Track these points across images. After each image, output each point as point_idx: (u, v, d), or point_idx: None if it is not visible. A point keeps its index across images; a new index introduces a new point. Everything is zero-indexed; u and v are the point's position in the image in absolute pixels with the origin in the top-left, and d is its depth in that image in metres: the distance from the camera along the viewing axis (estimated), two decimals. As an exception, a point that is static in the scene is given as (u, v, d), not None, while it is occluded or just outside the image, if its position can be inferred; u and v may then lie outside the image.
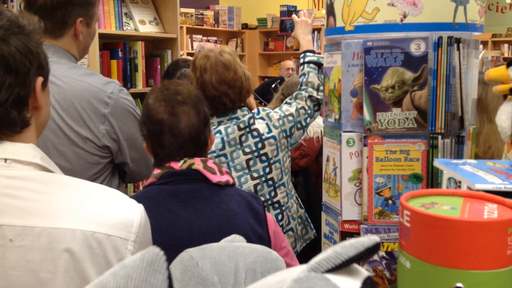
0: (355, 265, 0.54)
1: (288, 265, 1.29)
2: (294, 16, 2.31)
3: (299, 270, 0.52)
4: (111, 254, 0.82)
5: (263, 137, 1.95)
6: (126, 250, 0.83)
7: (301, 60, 2.18)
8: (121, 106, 1.56)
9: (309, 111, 2.07)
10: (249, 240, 1.13)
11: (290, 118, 2.03)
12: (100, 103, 1.52)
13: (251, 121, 1.95)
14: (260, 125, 1.97)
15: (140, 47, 3.10)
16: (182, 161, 1.31)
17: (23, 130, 0.88)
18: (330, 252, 0.52)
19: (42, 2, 1.46)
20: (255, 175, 1.95)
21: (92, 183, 0.92)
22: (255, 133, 1.95)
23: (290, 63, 6.56)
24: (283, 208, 2.02)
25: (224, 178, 1.33)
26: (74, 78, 1.50)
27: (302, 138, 2.49)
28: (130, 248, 0.84)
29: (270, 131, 1.97)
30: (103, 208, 0.85)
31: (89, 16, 1.58)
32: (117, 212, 0.85)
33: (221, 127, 1.93)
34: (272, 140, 1.96)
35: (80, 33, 1.56)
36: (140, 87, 3.12)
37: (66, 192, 0.85)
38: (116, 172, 1.68)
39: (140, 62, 3.11)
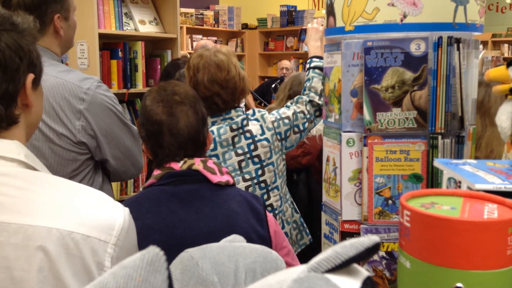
0: (355, 265, 0.54)
1: (289, 265, 1.30)
2: (308, 25, 2.33)
3: (299, 270, 0.52)
4: (88, 256, 0.80)
5: (256, 138, 1.94)
6: (105, 253, 0.81)
7: (307, 66, 2.18)
8: (99, 102, 1.56)
9: (308, 116, 2.06)
10: (250, 240, 1.13)
11: (286, 121, 2.02)
12: (76, 99, 1.52)
13: (245, 122, 1.94)
14: (253, 127, 1.96)
15: (140, 47, 3.10)
16: (182, 162, 1.31)
17: (10, 127, 0.87)
18: (330, 252, 0.52)
19: (16, 3, 1.47)
20: (247, 176, 1.94)
21: (78, 184, 0.91)
22: (248, 135, 1.94)
23: (285, 63, 6.57)
24: (276, 211, 2.00)
25: (224, 178, 1.33)
26: (50, 75, 1.50)
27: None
28: (109, 251, 0.82)
29: (263, 133, 1.96)
30: (84, 208, 0.84)
31: (65, 10, 1.59)
32: (98, 214, 0.84)
33: (214, 128, 1.92)
34: (265, 142, 1.95)
35: (60, 28, 1.57)
36: (140, 87, 3.13)
37: (48, 190, 0.84)
38: (99, 170, 1.67)
39: (140, 62, 3.11)
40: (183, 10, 7.21)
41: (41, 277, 0.77)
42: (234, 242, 0.81)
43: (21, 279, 0.77)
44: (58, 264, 0.78)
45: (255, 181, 1.94)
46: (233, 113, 1.95)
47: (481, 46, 1.87)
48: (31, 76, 0.88)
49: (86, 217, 0.82)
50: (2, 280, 0.77)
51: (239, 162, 1.93)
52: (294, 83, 2.67)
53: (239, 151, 1.93)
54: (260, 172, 1.95)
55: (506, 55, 8.61)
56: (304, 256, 1.92)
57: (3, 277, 0.77)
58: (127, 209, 0.88)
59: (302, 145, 2.58)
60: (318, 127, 2.60)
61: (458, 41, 1.43)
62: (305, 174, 2.65)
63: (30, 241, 0.78)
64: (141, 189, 1.36)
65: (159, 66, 3.24)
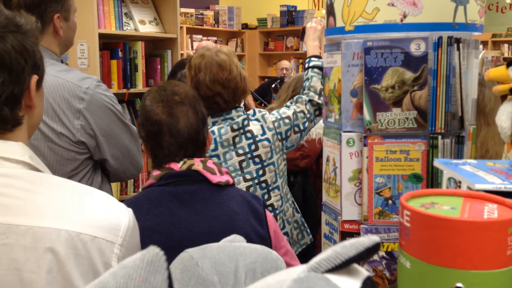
0: (355, 265, 0.54)
1: (288, 265, 1.29)
2: (307, 24, 2.32)
3: (299, 270, 0.52)
4: (95, 257, 0.81)
5: (257, 138, 1.94)
6: (112, 253, 0.82)
7: (306, 65, 2.18)
8: (98, 102, 1.56)
9: (308, 115, 2.06)
10: (250, 240, 1.13)
11: (287, 121, 2.02)
12: (75, 98, 1.52)
13: (245, 122, 1.94)
14: (254, 127, 1.96)
15: (140, 47, 3.10)
16: (181, 162, 1.31)
17: (14, 128, 0.87)
18: (330, 252, 0.52)
19: (16, 3, 1.47)
20: (247, 176, 1.94)
21: (82, 185, 0.91)
22: (248, 135, 1.94)
23: (285, 63, 6.57)
24: (277, 211, 2.00)
25: (224, 178, 1.33)
26: (50, 74, 1.50)
27: (304, 139, 2.48)
28: (116, 252, 0.83)
29: (264, 133, 1.96)
30: (91, 209, 0.84)
31: (65, 10, 1.59)
32: (104, 215, 0.84)
33: (215, 128, 1.92)
34: (265, 142, 1.95)
35: (60, 28, 1.57)
36: (140, 87, 3.13)
37: (53, 191, 0.84)
38: (98, 170, 1.67)
39: (140, 62, 3.11)
40: (183, 10, 7.21)
41: (50, 278, 0.78)
42: (234, 242, 0.81)
43: (30, 281, 0.77)
44: (67, 265, 0.79)
45: (256, 181, 1.95)
46: (234, 113, 1.95)
47: (481, 46, 1.87)
48: (35, 78, 0.88)
49: (93, 218, 0.83)
50: (12, 282, 0.77)
51: (240, 162, 1.93)
52: (298, 85, 2.62)
53: (240, 151, 1.93)
54: (261, 172, 1.95)
55: (506, 55, 8.61)
56: (302, 256, 1.93)
57: (12, 278, 0.77)
58: (130, 210, 0.88)
59: (301, 148, 2.57)
60: (318, 131, 2.59)
61: (458, 41, 1.43)
62: (302, 177, 2.65)
63: (39, 242, 0.78)
64: (140, 189, 1.36)
65: (159, 66, 3.24)
